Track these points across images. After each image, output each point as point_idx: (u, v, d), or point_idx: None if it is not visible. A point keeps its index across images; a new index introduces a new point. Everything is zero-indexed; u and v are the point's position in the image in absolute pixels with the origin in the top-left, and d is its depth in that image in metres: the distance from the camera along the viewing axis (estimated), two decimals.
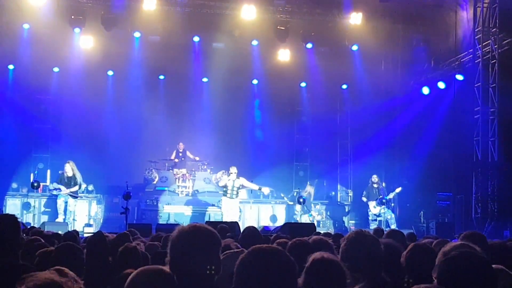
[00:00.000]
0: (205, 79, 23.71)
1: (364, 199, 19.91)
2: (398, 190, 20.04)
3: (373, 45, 21.62)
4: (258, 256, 2.87)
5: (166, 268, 3.08)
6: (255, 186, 18.75)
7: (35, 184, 19.74)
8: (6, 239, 4.26)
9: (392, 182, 21.58)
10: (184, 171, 21.33)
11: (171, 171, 21.36)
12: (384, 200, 19.59)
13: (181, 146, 21.91)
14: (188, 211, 20.10)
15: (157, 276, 2.97)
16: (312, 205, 21.66)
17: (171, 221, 19.23)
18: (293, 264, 2.89)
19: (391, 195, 19.98)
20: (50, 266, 3.96)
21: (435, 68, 21.43)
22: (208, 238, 3.29)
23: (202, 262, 3.17)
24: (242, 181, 18.55)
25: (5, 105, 21.43)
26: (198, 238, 3.25)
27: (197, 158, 21.92)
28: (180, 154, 21.90)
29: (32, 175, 21.31)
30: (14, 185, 21.10)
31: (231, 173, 18.45)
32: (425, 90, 21.39)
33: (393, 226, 19.04)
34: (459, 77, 19.78)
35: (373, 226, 18.47)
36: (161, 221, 18.96)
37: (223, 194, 18.77)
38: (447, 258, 3.05)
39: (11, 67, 21.35)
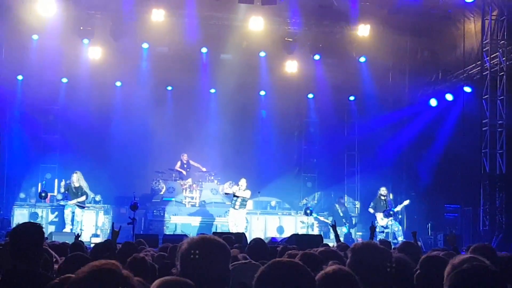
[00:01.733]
0: (212, 90, 23.74)
1: (371, 210, 19.88)
2: (406, 202, 20.04)
3: (380, 57, 21.63)
4: (278, 270, 2.87)
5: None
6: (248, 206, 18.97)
7: (43, 194, 19.81)
8: (30, 247, 4.31)
9: (400, 193, 21.56)
10: (190, 181, 21.34)
11: (178, 181, 21.38)
12: (391, 212, 19.56)
13: (184, 157, 21.92)
14: (195, 222, 20.10)
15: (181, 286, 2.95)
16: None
17: (178, 231, 19.24)
18: (312, 278, 2.89)
19: (398, 208, 19.98)
20: (60, 275, 3.98)
21: (443, 80, 21.40)
22: (218, 249, 3.29)
23: (212, 272, 3.17)
24: (247, 194, 18.66)
25: (14, 115, 21.51)
26: (207, 249, 3.25)
27: (204, 169, 21.92)
28: (185, 166, 21.91)
29: (40, 185, 21.35)
30: (22, 195, 21.16)
31: (241, 185, 18.53)
32: (433, 102, 21.36)
33: (400, 238, 18.99)
34: (467, 89, 19.75)
35: (380, 237, 18.42)
36: (168, 232, 18.98)
37: (230, 206, 18.81)
38: (459, 271, 3.03)
39: (20, 77, 21.41)
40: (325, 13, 20.18)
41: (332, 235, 20.91)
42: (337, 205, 21.88)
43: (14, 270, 4.27)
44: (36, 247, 4.37)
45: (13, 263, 4.31)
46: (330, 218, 21.72)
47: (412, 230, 20.38)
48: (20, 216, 19.65)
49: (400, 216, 20.60)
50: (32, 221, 15.19)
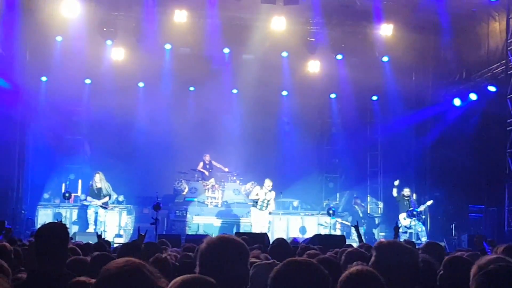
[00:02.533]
0: (234, 91, 23.76)
1: (395, 193, 19.80)
2: (429, 203, 19.91)
3: (404, 56, 21.46)
4: (292, 268, 2.86)
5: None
6: (272, 207, 18.82)
7: (67, 195, 19.98)
8: (55, 247, 4.33)
9: (423, 194, 21.42)
10: (213, 181, 21.37)
11: (201, 182, 21.41)
12: (414, 212, 19.45)
13: (207, 158, 21.95)
14: (217, 222, 20.13)
15: (202, 284, 2.94)
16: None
17: (201, 232, 19.27)
18: (327, 277, 2.87)
19: (421, 208, 19.86)
20: (85, 275, 3.99)
21: (467, 79, 21.19)
22: (236, 249, 3.30)
23: (230, 272, 3.17)
24: (272, 196, 18.66)
25: (38, 116, 21.69)
26: (226, 249, 3.26)
27: (226, 169, 21.93)
28: (207, 166, 21.94)
29: (63, 185, 21.51)
30: (46, 196, 21.33)
31: (266, 186, 18.53)
32: (457, 102, 21.16)
33: (424, 239, 18.88)
34: (491, 88, 19.54)
35: (403, 238, 18.31)
36: (190, 232, 19.00)
37: (252, 205, 18.81)
38: (486, 272, 2.99)
39: (44, 79, 21.61)
40: (347, 12, 20.10)
41: (354, 236, 20.89)
42: (356, 206, 21.85)
43: (39, 270, 4.29)
44: (61, 247, 4.39)
45: (38, 263, 4.34)
46: (350, 218, 21.70)
47: (436, 230, 20.40)
48: (44, 216, 19.83)
49: (423, 217, 20.47)
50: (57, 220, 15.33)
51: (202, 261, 3.25)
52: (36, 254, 4.37)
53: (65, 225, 4.60)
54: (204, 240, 3.34)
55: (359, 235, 10.46)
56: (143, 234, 8.26)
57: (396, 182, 19.79)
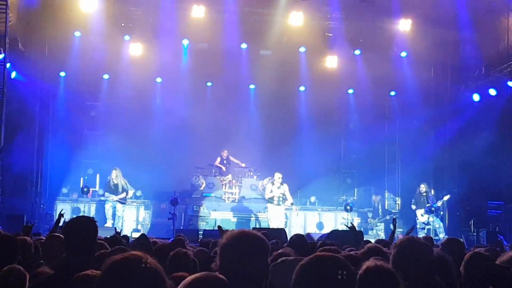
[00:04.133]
0: (252, 86, 23.76)
1: (413, 206, 19.81)
2: (446, 198, 19.83)
3: (422, 52, 21.33)
4: (319, 264, 2.85)
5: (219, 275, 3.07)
6: (290, 200, 18.75)
7: (85, 189, 20.11)
8: (84, 240, 4.37)
9: (442, 190, 21.31)
10: (230, 177, 21.38)
11: (218, 177, 21.44)
12: (432, 209, 19.38)
13: (225, 153, 21.95)
14: (234, 217, 20.15)
15: (212, 283, 2.95)
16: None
17: None
18: (353, 273, 2.86)
19: (439, 203, 19.79)
20: None
21: (486, 75, 21.02)
22: (257, 244, 3.29)
23: (251, 267, 3.16)
24: (285, 188, 18.59)
25: (57, 111, 21.84)
26: (246, 244, 3.26)
27: (243, 165, 21.93)
28: (225, 161, 21.95)
29: (82, 180, 21.64)
30: (65, 190, 21.46)
31: (276, 179, 18.51)
32: (476, 97, 21.02)
33: (442, 235, 18.80)
34: (511, 83, 19.38)
35: (421, 234, 18.23)
36: (207, 227, 19.05)
37: (268, 201, 18.80)
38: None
39: (62, 74, 21.72)
40: (365, 7, 19.98)
41: (372, 231, 20.84)
42: (374, 202, 21.83)
43: (67, 263, 4.32)
44: (90, 240, 4.43)
45: (66, 256, 4.37)
46: (370, 214, 21.69)
47: (454, 227, 20.29)
48: (62, 211, 19.92)
49: (441, 213, 20.37)
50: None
51: (222, 256, 3.26)
52: (64, 247, 4.41)
53: (93, 219, 4.64)
54: (225, 235, 3.34)
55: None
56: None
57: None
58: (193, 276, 2.93)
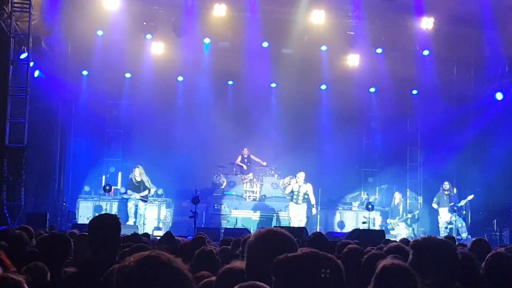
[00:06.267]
0: (273, 85, 23.73)
1: (435, 205, 19.65)
2: (470, 197, 19.67)
3: (445, 50, 21.18)
4: (297, 262, 2.79)
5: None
6: (313, 200, 18.75)
7: (107, 188, 20.22)
8: (108, 237, 4.42)
9: (464, 189, 21.15)
10: (251, 175, 21.39)
11: (239, 175, 21.45)
12: (455, 208, 19.25)
13: (245, 152, 21.94)
14: (255, 216, 20.14)
15: None
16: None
17: (239, 225, 19.32)
18: (339, 270, 2.77)
19: (462, 202, 19.64)
20: None
21: (510, 73, 20.81)
22: (285, 242, 3.29)
23: None
24: (308, 188, 18.60)
25: (79, 110, 22.02)
26: (275, 242, 3.25)
27: (264, 163, 21.92)
28: (246, 160, 21.95)
29: (104, 178, 21.77)
30: (87, 188, 21.60)
31: (299, 178, 18.51)
32: (499, 96, 20.83)
33: (464, 235, 18.69)
34: None
35: (443, 233, 18.12)
36: (228, 226, 19.07)
37: (290, 200, 18.78)
38: None
39: (85, 72, 21.87)
40: (387, 5, 19.90)
41: (394, 231, 20.71)
42: (397, 200, 21.69)
43: (92, 260, 4.38)
44: (114, 238, 4.48)
45: (91, 253, 4.43)
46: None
47: (477, 226, 20.15)
48: (85, 208, 20.14)
49: (464, 212, 20.22)
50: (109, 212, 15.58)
51: (250, 254, 3.26)
52: (89, 245, 4.47)
53: (117, 216, 4.69)
54: (253, 233, 3.34)
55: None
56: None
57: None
58: (240, 285, 2.86)
